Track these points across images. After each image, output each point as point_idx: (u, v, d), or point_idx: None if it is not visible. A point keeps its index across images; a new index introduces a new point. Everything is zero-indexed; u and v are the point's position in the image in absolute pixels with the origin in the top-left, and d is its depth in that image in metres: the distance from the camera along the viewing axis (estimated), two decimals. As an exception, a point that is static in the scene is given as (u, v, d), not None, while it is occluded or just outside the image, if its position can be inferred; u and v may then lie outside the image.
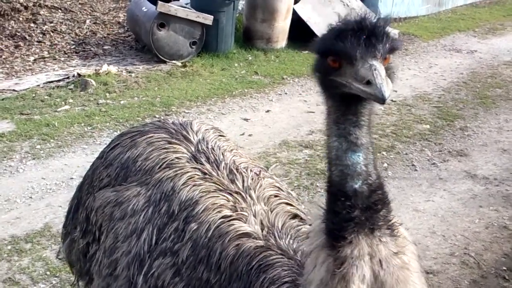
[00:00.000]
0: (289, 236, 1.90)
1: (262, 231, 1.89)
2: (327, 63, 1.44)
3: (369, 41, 1.39)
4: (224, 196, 2.01)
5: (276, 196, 2.07)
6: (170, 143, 2.26)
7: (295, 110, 6.87)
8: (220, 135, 2.42)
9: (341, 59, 1.41)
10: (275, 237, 1.88)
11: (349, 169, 1.43)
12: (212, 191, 2.03)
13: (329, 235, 1.44)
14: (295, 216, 2.03)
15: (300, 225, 1.99)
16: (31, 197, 4.66)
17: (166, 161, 2.17)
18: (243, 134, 6.08)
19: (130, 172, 2.22)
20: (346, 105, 1.45)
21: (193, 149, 2.24)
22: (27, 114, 6.20)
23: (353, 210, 1.42)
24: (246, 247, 1.83)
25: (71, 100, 6.63)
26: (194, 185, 2.05)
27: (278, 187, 2.15)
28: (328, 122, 1.50)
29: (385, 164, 5.51)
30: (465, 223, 4.59)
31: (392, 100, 7.29)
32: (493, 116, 6.98)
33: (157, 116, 6.33)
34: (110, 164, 2.33)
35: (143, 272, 1.96)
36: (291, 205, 2.07)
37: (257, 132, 6.14)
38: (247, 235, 1.87)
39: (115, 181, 2.26)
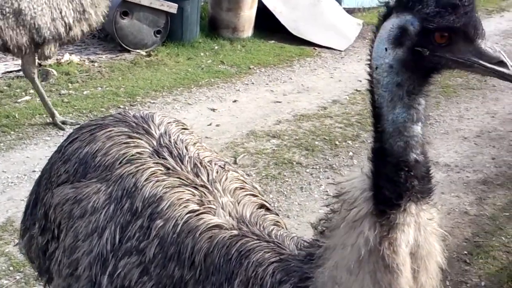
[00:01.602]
0: (258, 224, 1.91)
1: (232, 222, 1.88)
2: (433, 39, 1.39)
3: (478, 19, 1.38)
4: (190, 190, 1.97)
5: (241, 188, 2.07)
6: (131, 137, 2.19)
7: (262, 100, 6.87)
8: (183, 128, 2.37)
9: (456, 35, 1.37)
10: (246, 225, 1.88)
11: (413, 140, 1.46)
12: (177, 186, 1.98)
13: (380, 203, 1.47)
14: (261, 206, 2.04)
15: (267, 214, 2.01)
16: (-9, 191, 4.52)
17: (127, 156, 2.10)
18: (210, 124, 6.05)
19: (89, 168, 2.14)
20: (425, 77, 1.46)
21: (155, 143, 2.18)
22: (-15, 105, 5.99)
23: (413, 180, 1.47)
24: (220, 238, 1.81)
25: (32, 91, 6.42)
26: (157, 181, 2.00)
27: (243, 180, 2.14)
28: (396, 94, 1.46)
29: (350, 153, 5.59)
30: (428, 210, 4.72)
31: (356, 90, 7.40)
32: (454, 104, 7.17)
33: (121, 106, 6.22)
34: (68, 160, 2.25)
35: (107, 272, 1.91)
36: (256, 196, 2.08)
37: (225, 122, 6.12)
38: (218, 226, 1.85)
39: (73, 177, 2.18)
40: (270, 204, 2.13)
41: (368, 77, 1.50)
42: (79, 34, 5.48)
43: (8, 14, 5.03)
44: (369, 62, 1.50)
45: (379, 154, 1.49)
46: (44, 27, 5.16)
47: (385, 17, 1.46)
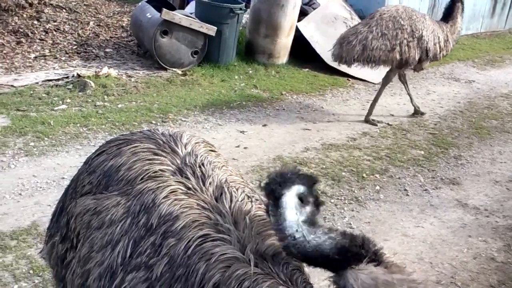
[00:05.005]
0: (282, 266, 1.79)
1: (250, 256, 1.78)
2: None
3: None
4: (206, 214, 1.92)
5: (263, 220, 1.96)
6: (156, 154, 2.20)
7: (291, 126, 6.88)
8: (211, 150, 2.34)
9: None
10: (268, 264, 1.78)
11: None
12: (195, 208, 1.94)
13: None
14: None
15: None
16: (20, 194, 4.62)
17: (149, 172, 2.10)
18: (238, 146, 6.08)
19: (111, 181, 2.16)
20: None
21: (179, 162, 2.17)
22: (24, 110, 6.17)
23: None
24: (240, 271, 1.72)
25: (68, 100, 6.61)
26: (175, 199, 1.97)
27: None
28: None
29: (378, 187, 5.51)
30: (453, 252, 4.59)
31: (388, 124, 7.33)
32: (487, 146, 7.02)
33: (154, 122, 6.33)
34: (93, 171, 2.28)
35: (114, 285, 1.89)
36: None
37: (253, 145, 6.14)
38: (236, 259, 1.77)
39: (96, 189, 2.20)
40: None
41: None
42: (441, 56, 7.27)
43: (414, 38, 6.86)
44: None
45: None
46: (431, 49, 7.01)
47: None
